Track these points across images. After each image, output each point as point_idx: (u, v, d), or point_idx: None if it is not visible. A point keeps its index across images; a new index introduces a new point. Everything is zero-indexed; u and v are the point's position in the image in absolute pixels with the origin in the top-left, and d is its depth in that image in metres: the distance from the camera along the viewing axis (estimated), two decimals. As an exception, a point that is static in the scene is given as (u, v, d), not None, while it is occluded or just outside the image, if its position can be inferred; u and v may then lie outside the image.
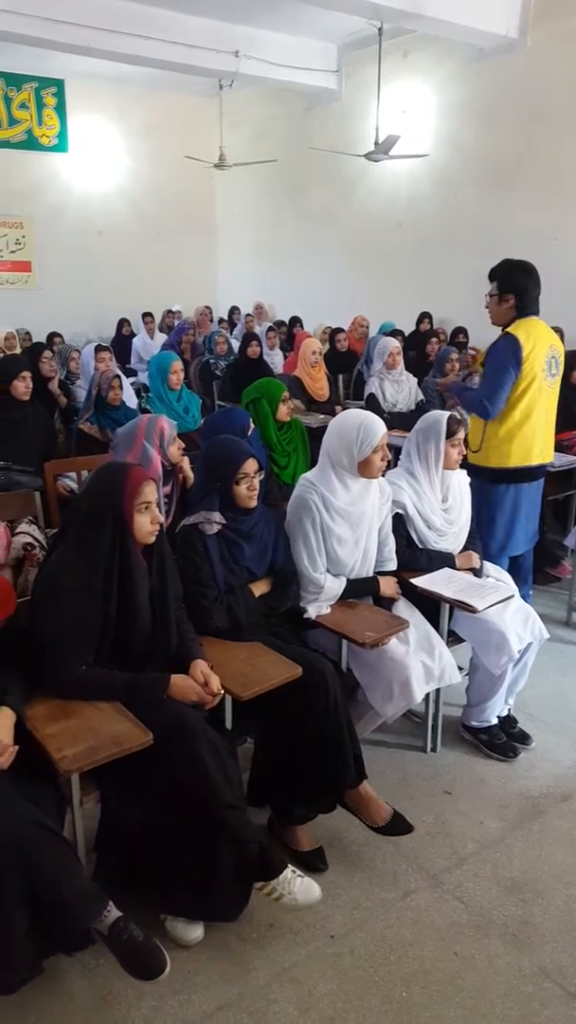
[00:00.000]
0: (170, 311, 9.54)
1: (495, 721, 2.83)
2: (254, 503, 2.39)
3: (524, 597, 3.32)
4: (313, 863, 2.22)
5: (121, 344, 8.56)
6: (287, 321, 9.22)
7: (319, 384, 5.62)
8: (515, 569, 3.46)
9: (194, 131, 9.97)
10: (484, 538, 3.32)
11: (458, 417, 2.97)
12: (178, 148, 9.50)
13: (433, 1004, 1.83)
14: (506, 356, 3.17)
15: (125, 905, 1.75)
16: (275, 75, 8.43)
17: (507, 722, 2.88)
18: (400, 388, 5.43)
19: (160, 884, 1.89)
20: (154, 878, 1.88)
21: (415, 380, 5.51)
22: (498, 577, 2.99)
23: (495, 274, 3.33)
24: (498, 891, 2.18)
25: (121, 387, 4.04)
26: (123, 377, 4.29)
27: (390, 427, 3.27)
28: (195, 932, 1.96)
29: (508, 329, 3.23)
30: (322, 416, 5.13)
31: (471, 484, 3.25)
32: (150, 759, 1.79)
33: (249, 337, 6.14)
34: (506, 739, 2.81)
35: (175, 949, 1.93)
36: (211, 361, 6.51)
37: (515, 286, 3.24)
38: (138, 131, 10.52)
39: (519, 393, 3.19)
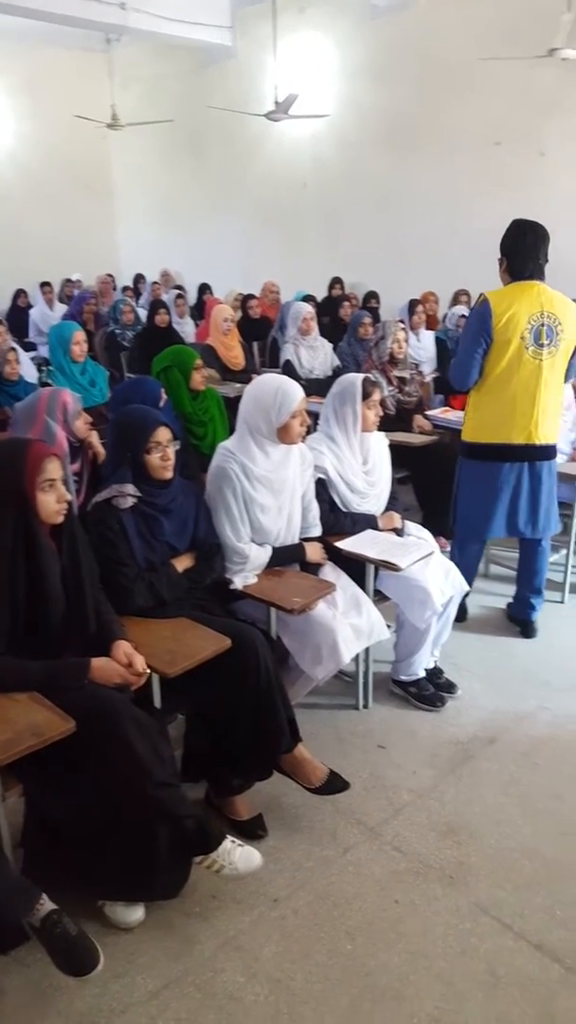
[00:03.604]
0: (69, 280, 9.19)
1: (423, 674, 2.89)
2: (169, 474, 2.33)
3: (531, 602, 3.36)
4: (252, 831, 2.22)
5: (17, 316, 8.18)
6: (197, 288, 9.01)
7: (233, 352, 5.52)
8: (525, 568, 3.34)
9: (82, 88, 9.51)
10: (452, 514, 3.28)
11: (372, 379, 2.97)
12: (66, 107, 9.04)
13: (377, 952, 1.88)
14: (473, 322, 3.00)
15: (58, 897, 1.71)
16: (165, 30, 8.07)
17: (434, 673, 2.95)
18: (316, 354, 5.41)
19: (96, 871, 1.84)
20: (89, 866, 1.83)
21: (330, 346, 5.50)
22: (419, 535, 3.04)
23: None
24: (434, 836, 2.24)
25: (18, 360, 3.85)
26: (20, 350, 4.09)
27: (308, 394, 3.24)
28: (135, 914, 1.94)
29: (486, 292, 3.03)
30: (238, 385, 5.05)
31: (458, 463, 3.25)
32: (75, 746, 1.73)
33: (156, 305, 5.97)
34: (434, 690, 2.88)
35: (115, 933, 1.90)
36: (117, 331, 6.30)
37: (506, 247, 3.00)
38: (19, 87, 9.91)
39: (492, 360, 2.98)
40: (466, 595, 3.36)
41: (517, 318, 2.91)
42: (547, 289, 2.98)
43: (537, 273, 2.98)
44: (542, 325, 2.94)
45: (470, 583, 3.33)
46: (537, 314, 2.93)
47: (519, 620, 3.39)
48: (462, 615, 3.38)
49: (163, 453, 2.30)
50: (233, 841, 1.92)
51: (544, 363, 2.97)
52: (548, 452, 3.12)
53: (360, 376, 2.95)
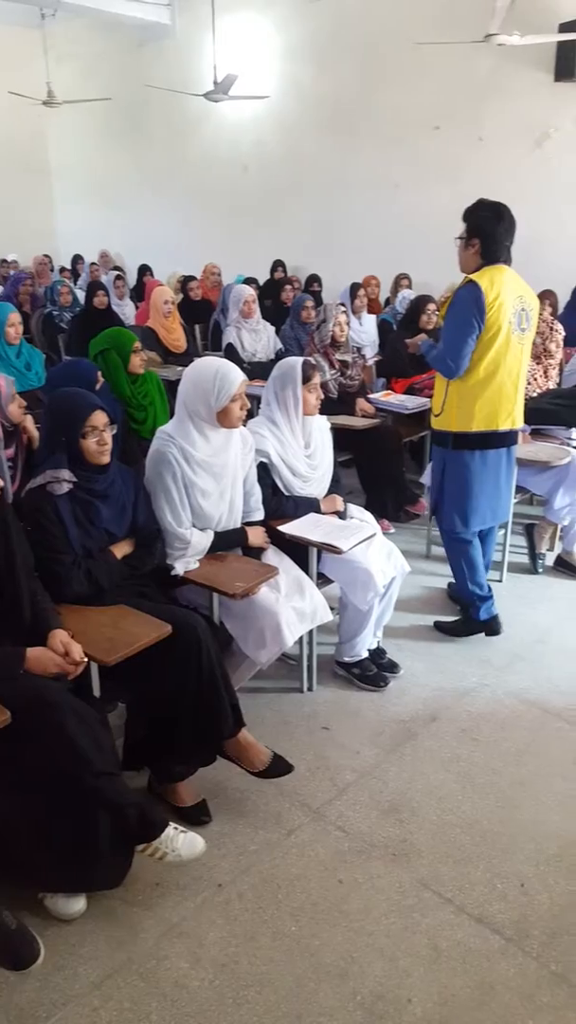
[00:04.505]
0: (4, 260, 8.91)
1: (366, 655, 2.92)
2: (106, 459, 2.28)
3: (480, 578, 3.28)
4: (196, 817, 2.21)
5: (-49, 299, 7.89)
6: (137, 269, 8.85)
7: (174, 335, 5.44)
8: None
9: (16, 65, 9.21)
10: (444, 513, 3.12)
11: (312, 362, 2.97)
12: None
13: (321, 932, 1.89)
14: (467, 306, 2.81)
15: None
16: (102, 5, 7.90)
17: (377, 654, 2.98)
18: (258, 337, 5.37)
19: (36, 863, 1.81)
20: (28, 858, 1.80)
21: (273, 329, 5.47)
22: (361, 517, 3.05)
23: (464, 216, 2.92)
24: (377, 815, 2.27)
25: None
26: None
27: (251, 377, 3.20)
28: (77, 905, 1.91)
29: (470, 275, 2.87)
30: (180, 369, 4.94)
31: (434, 454, 3.11)
32: (12, 738, 1.69)
33: (95, 286, 5.84)
34: (377, 670, 2.91)
35: (56, 925, 1.88)
36: (55, 313, 6.16)
37: (481, 229, 2.85)
38: (-50, 63, 9.57)
39: (483, 347, 2.85)
40: (478, 601, 3.22)
41: (505, 301, 2.83)
42: (515, 273, 2.92)
43: (508, 258, 2.90)
44: (522, 309, 2.90)
45: (481, 582, 3.20)
46: (518, 298, 2.88)
47: (461, 600, 3.44)
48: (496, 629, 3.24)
49: (100, 438, 2.25)
50: (176, 828, 1.91)
51: (524, 347, 2.96)
52: (517, 436, 3.14)
53: (300, 359, 2.94)
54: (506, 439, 3.05)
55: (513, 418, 3.02)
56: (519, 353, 2.94)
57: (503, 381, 2.93)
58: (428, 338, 3.30)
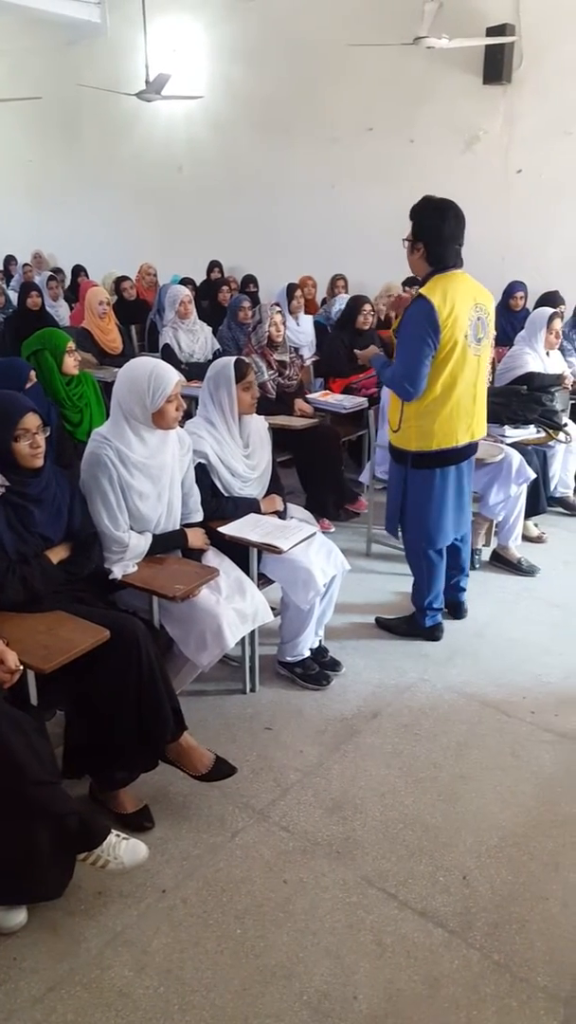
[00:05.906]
0: None
1: (308, 654, 2.93)
2: (39, 462, 2.23)
3: (460, 585, 3.32)
4: (139, 823, 2.18)
5: None
6: (71, 270, 8.70)
7: (110, 336, 5.36)
8: (452, 556, 3.20)
9: None
10: (409, 529, 3.05)
11: (245, 360, 2.96)
12: None
13: (267, 934, 1.89)
14: (419, 324, 2.68)
15: None
16: (31, 3, 7.74)
17: (319, 653, 2.99)
18: (195, 338, 5.35)
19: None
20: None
21: (210, 330, 5.45)
22: (301, 517, 3.07)
23: (411, 214, 2.74)
24: (321, 814, 2.28)
25: None
26: None
27: (188, 378, 3.17)
28: (17, 917, 1.86)
29: (421, 290, 2.73)
30: (116, 370, 4.88)
31: (394, 469, 3.03)
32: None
33: (28, 287, 5.72)
34: (319, 669, 2.92)
35: (-4, 940, 1.83)
36: (-13, 315, 6.00)
37: (425, 232, 2.70)
38: None
39: (438, 363, 2.73)
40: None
41: (459, 315, 2.70)
42: (469, 277, 2.80)
43: (459, 261, 2.76)
44: (478, 319, 2.77)
45: (434, 598, 3.16)
46: (473, 307, 2.75)
47: (451, 603, 3.36)
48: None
49: (32, 440, 2.20)
50: (118, 835, 1.88)
51: (481, 358, 2.86)
52: (476, 447, 3.06)
53: (232, 358, 2.94)
54: (465, 452, 2.98)
55: (473, 431, 2.93)
56: (476, 365, 2.84)
57: (461, 397, 2.82)
58: (379, 351, 3.24)
